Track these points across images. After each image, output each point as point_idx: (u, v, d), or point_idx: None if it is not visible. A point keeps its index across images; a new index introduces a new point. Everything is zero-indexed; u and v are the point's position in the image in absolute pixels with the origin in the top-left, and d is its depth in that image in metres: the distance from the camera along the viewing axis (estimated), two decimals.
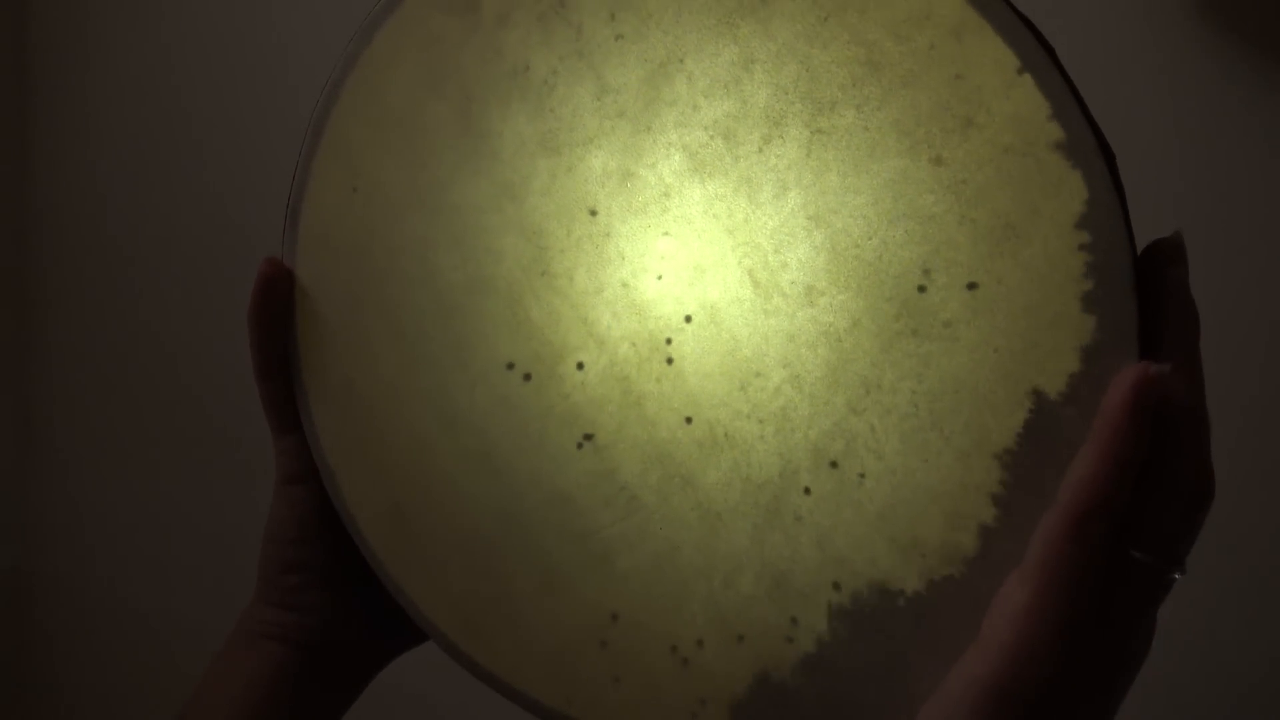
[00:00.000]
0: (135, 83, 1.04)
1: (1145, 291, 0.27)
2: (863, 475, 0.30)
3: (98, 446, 1.07)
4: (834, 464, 0.30)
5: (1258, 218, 0.67)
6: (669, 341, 0.32)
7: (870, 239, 0.29)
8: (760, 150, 0.30)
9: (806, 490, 0.30)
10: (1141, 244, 0.28)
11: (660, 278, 0.32)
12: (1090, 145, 0.27)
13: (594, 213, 0.32)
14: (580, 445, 0.32)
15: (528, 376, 0.33)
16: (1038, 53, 0.27)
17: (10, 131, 1.08)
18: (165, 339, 1.03)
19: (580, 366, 0.32)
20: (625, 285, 0.32)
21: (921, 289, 0.29)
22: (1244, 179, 0.67)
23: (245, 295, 0.37)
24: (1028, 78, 0.27)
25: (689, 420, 0.32)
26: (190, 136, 1.01)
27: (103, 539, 1.07)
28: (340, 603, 0.39)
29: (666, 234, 0.31)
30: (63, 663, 1.09)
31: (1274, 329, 0.66)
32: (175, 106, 1.02)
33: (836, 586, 0.30)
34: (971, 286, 0.28)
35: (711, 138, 0.31)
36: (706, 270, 0.31)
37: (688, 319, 0.31)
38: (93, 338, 1.07)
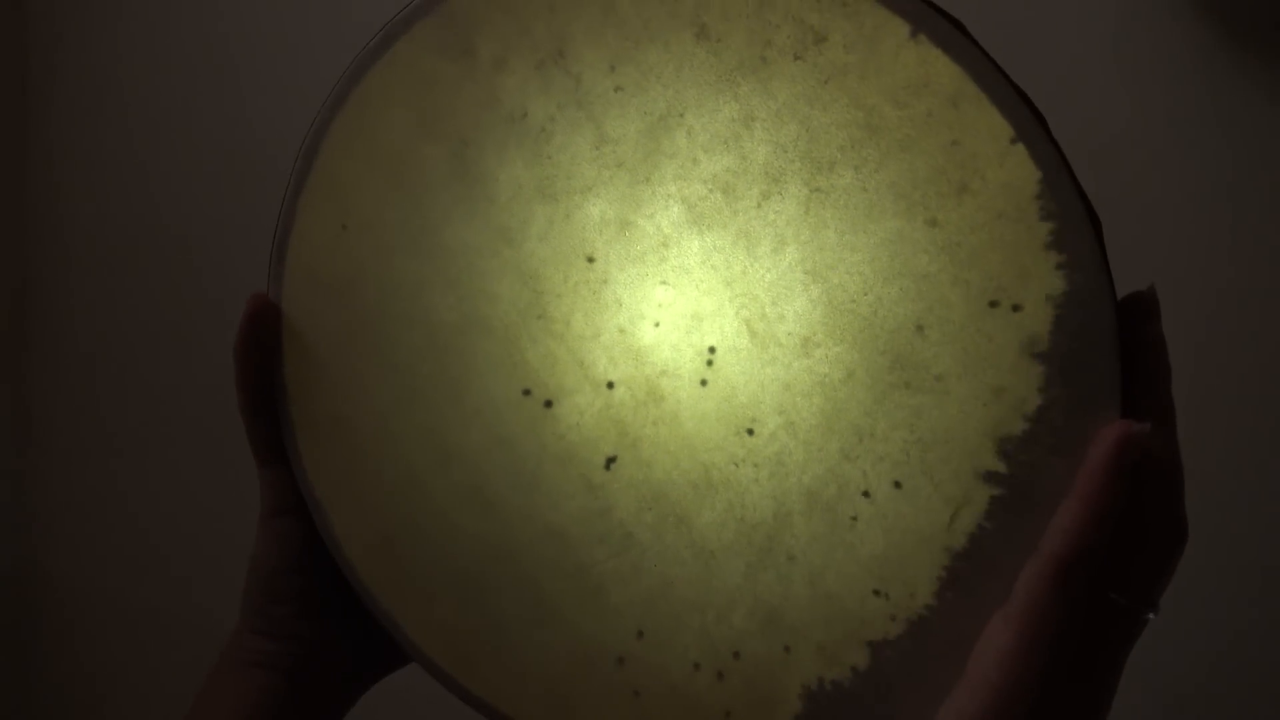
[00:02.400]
0: (138, 82, 1.02)
1: (1124, 347, 0.29)
2: (854, 518, 0.31)
3: (98, 446, 1.06)
4: (827, 507, 0.31)
5: (1254, 217, 0.68)
6: (665, 387, 0.32)
7: (866, 295, 0.30)
8: (759, 205, 0.31)
9: (799, 532, 0.31)
10: (1116, 266, 0.29)
11: (658, 325, 0.32)
12: (1079, 214, 0.28)
13: (591, 260, 0.33)
14: (608, 467, 0.33)
15: (549, 403, 0.33)
16: (1031, 124, 0.28)
17: (10, 131, 1.07)
18: (165, 339, 1.02)
19: (610, 384, 0.32)
20: (622, 331, 0.33)
21: (914, 345, 0.30)
22: (1239, 179, 0.68)
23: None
24: (1021, 147, 0.28)
25: (685, 462, 0.32)
26: (194, 134, 1.00)
27: (103, 538, 1.06)
28: (327, 630, 0.39)
29: (664, 283, 0.32)
30: (63, 662, 1.08)
31: (1274, 329, 0.68)
32: (178, 108, 1.01)
33: (827, 622, 0.31)
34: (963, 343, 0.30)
35: (711, 191, 0.31)
36: (704, 319, 0.32)
37: (693, 364, 0.32)
38: (93, 337, 1.06)
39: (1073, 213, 0.28)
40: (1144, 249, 0.63)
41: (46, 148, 1.06)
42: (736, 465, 0.32)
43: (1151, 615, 0.29)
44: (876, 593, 0.31)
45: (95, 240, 1.05)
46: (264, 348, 0.36)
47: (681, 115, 0.31)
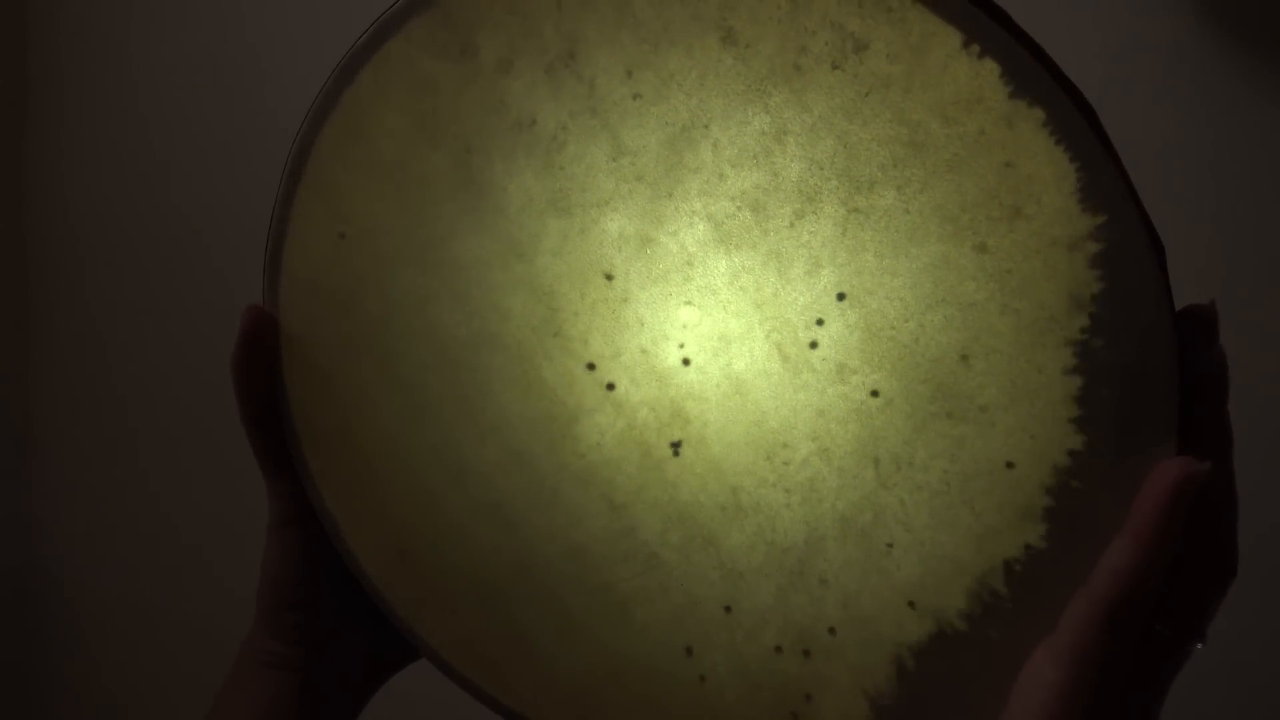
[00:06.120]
0: (140, 78, 0.99)
1: (1181, 367, 0.27)
2: (890, 545, 0.30)
3: (98, 446, 1.05)
4: (862, 533, 0.30)
5: (1255, 219, 0.67)
6: (691, 409, 0.31)
7: (907, 321, 0.28)
8: (792, 225, 0.29)
9: (832, 557, 0.30)
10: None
11: (682, 346, 0.30)
12: (1142, 243, 0.26)
13: (610, 277, 0.31)
14: (676, 453, 0.31)
15: (610, 386, 0.31)
16: (1094, 147, 0.26)
17: (11, 130, 1.04)
18: (166, 339, 1.00)
19: (633, 405, 0.31)
20: (644, 352, 0.31)
21: (958, 374, 0.28)
22: (1237, 179, 0.66)
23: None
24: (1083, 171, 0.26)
25: (712, 485, 0.31)
26: (198, 130, 0.97)
27: (104, 539, 1.06)
28: (342, 631, 0.39)
29: (689, 303, 0.30)
30: (64, 663, 1.09)
31: (1275, 332, 0.66)
32: (182, 104, 0.97)
33: (861, 645, 0.31)
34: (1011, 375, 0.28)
35: (739, 209, 0.29)
36: (732, 342, 0.30)
37: (721, 387, 0.30)
38: (93, 338, 1.04)
39: (1135, 241, 0.26)
40: None
41: (47, 147, 1.04)
42: (767, 490, 0.31)
43: (1199, 645, 0.29)
44: (913, 619, 0.30)
45: (98, 239, 1.03)
46: (262, 362, 0.35)
47: (706, 127, 0.29)
